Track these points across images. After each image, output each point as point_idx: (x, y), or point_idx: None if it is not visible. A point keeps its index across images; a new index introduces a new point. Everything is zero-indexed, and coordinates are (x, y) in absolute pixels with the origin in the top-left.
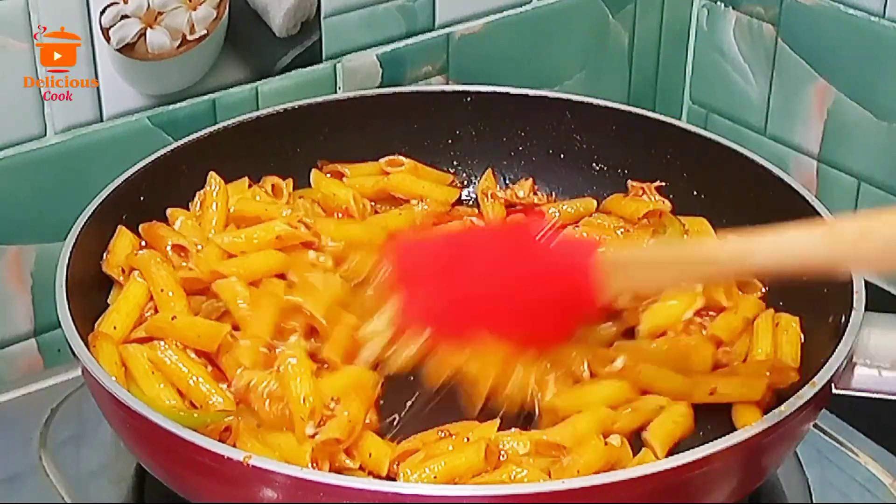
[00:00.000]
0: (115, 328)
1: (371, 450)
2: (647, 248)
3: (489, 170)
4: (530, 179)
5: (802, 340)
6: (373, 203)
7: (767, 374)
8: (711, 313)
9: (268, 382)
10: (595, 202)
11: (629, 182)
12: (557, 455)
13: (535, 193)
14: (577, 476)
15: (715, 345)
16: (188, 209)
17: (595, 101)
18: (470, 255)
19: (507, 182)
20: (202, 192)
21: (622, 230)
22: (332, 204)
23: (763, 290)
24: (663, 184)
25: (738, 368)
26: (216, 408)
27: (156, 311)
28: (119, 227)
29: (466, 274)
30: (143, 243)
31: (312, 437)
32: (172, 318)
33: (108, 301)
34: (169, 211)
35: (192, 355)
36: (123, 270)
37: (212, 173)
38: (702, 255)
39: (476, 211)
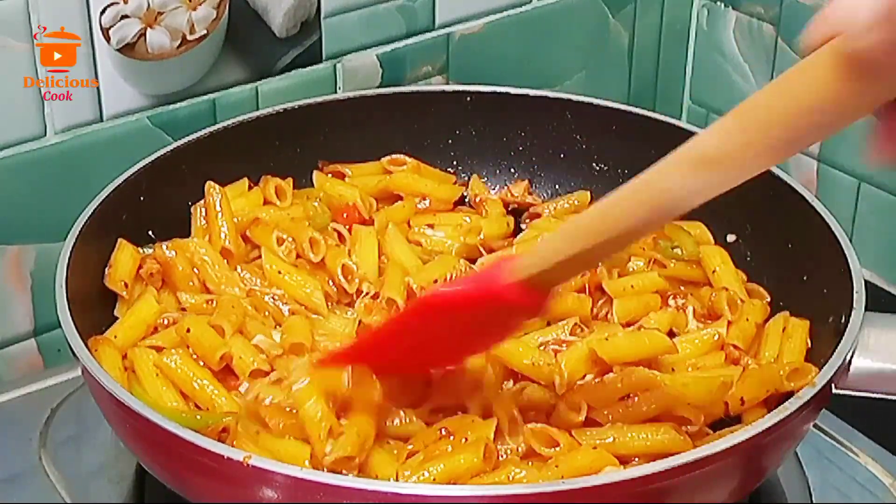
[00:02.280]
0: (115, 337)
1: (377, 471)
2: (550, 241)
3: (475, 175)
4: (525, 181)
5: (809, 346)
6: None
7: (786, 382)
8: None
9: (275, 397)
10: (588, 194)
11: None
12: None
13: (529, 194)
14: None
15: (732, 349)
16: (188, 209)
17: (595, 101)
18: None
19: (506, 182)
20: (203, 203)
21: None
22: (338, 204)
23: (768, 298)
24: None
25: (753, 373)
26: (221, 410)
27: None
28: (119, 240)
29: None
30: (143, 251)
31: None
32: (187, 331)
33: (115, 314)
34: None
35: (201, 362)
36: (126, 284)
37: (209, 183)
38: (606, 221)
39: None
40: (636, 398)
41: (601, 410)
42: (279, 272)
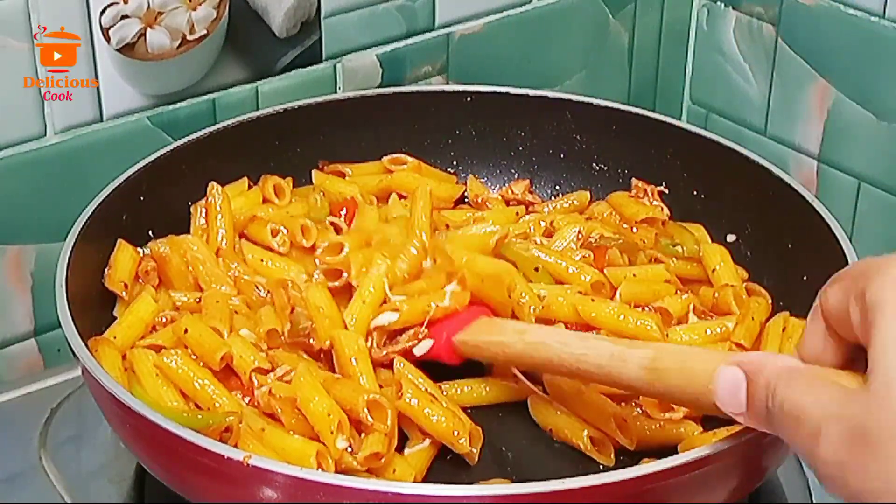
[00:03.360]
0: (114, 338)
1: (396, 465)
2: (494, 341)
3: (472, 176)
4: (527, 181)
5: None
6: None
7: None
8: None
9: (284, 394)
10: (588, 194)
11: (633, 180)
12: None
13: (530, 193)
14: None
15: (735, 347)
16: (188, 209)
17: (595, 101)
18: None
19: (506, 181)
20: (204, 203)
21: (627, 227)
22: (337, 197)
23: (768, 298)
24: (666, 190)
25: None
26: (222, 410)
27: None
28: (119, 241)
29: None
30: (143, 251)
31: (347, 450)
32: (185, 332)
33: (115, 314)
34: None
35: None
36: (125, 285)
37: (212, 184)
38: (541, 355)
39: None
40: None
41: None
42: (261, 260)
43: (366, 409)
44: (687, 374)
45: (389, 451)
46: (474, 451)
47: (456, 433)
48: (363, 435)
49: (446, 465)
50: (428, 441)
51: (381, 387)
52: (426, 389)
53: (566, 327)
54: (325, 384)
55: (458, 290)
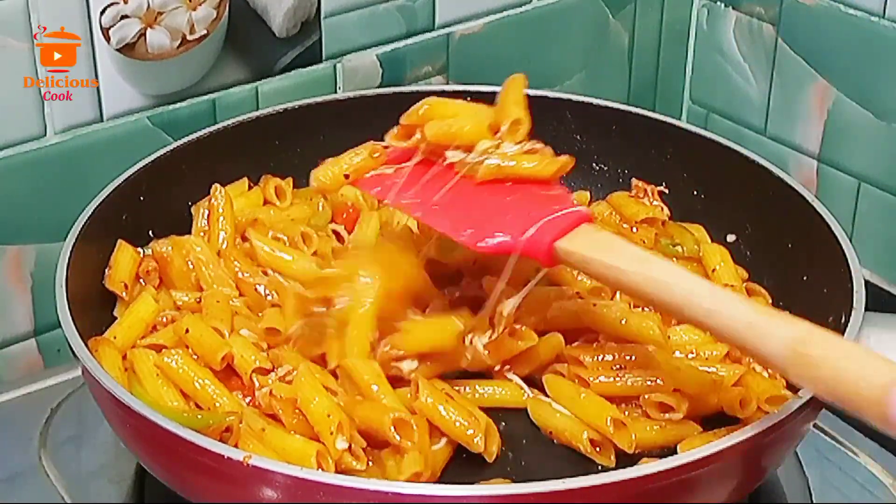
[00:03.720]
0: (115, 338)
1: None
2: (608, 264)
3: None
4: None
5: None
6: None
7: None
8: None
9: (285, 395)
10: (588, 194)
11: (633, 180)
12: None
13: None
14: None
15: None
16: (188, 209)
17: (595, 101)
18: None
19: None
20: (206, 204)
21: (627, 227)
22: (338, 201)
23: (768, 298)
24: (666, 190)
25: (753, 383)
26: (222, 410)
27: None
28: (119, 241)
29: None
30: (143, 252)
31: (348, 450)
32: (186, 331)
33: (115, 314)
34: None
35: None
36: (126, 286)
37: (216, 185)
38: (654, 289)
39: None
40: (627, 371)
41: (593, 371)
42: (273, 251)
43: (392, 428)
44: (842, 371)
45: (427, 469)
46: (492, 450)
47: (471, 432)
48: (398, 456)
49: (446, 464)
50: (444, 440)
51: (393, 387)
52: (441, 388)
53: (564, 333)
54: (347, 407)
55: None
